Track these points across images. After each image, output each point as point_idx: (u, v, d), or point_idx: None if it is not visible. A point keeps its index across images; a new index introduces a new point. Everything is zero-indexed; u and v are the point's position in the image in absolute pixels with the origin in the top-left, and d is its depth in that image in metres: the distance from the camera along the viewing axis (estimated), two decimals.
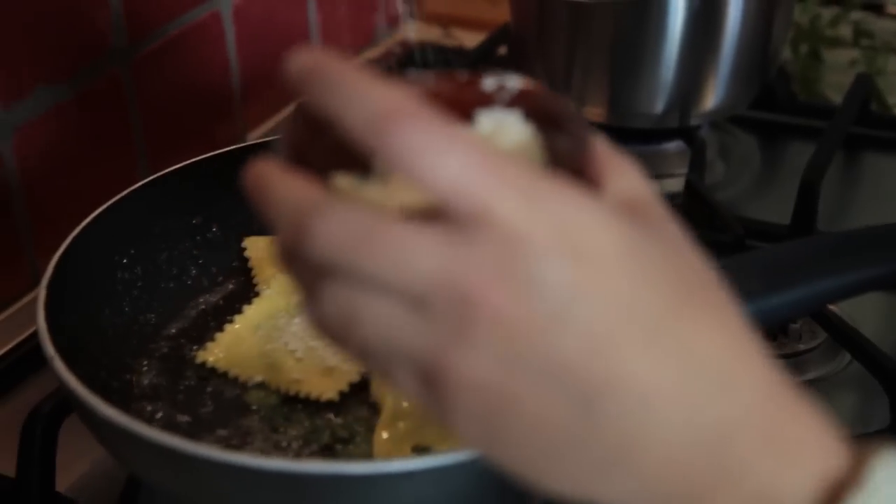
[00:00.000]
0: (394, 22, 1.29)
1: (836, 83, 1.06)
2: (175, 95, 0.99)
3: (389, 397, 0.62)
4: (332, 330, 0.39)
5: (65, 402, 0.66)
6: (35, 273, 0.89)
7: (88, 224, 0.68)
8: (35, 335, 0.80)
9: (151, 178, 0.73)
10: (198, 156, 0.74)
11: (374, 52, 1.24)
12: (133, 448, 0.54)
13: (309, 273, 0.39)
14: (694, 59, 0.91)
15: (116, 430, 0.53)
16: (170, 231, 0.73)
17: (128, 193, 0.71)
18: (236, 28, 1.04)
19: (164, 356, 0.69)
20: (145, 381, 0.66)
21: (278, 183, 0.39)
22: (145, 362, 0.68)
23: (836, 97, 1.04)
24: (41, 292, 0.62)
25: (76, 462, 0.69)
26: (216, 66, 1.04)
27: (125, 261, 0.70)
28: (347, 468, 0.50)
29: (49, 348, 0.58)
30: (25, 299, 0.88)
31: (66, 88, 0.88)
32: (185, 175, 0.74)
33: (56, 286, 0.63)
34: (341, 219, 0.37)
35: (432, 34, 1.27)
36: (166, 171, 0.74)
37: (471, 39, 1.24)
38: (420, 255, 0.37)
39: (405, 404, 0.62)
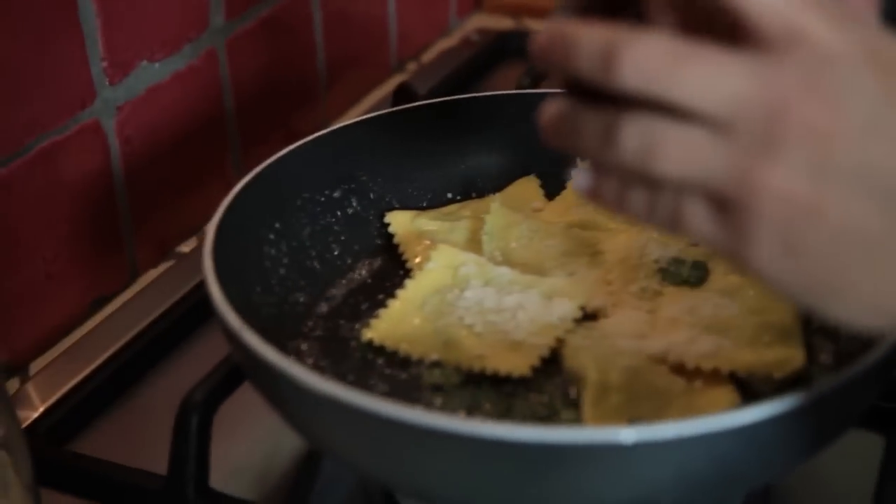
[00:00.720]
0: (465, 13, 1.24)
1: None
2: (265, 78, 0.93)
3: (593, 369, 0.56)
4: (627, 169, 0.40)
5: (219, 389, 0.60)
6: (134, 266, 0.83)
7: (237, 195, 0.62)
8: (142, 334, 0.75)
9: (287, 149, 0.67)
10: (284, 144, 0.67)
11: (449, 41, 1.18)
12: (343, 420, 0.47)
13: (607, 112, 0.39)
14: None
15: (325, 399, 0.46)
16: (310, 204, 0.67)
17: (268, 164, 0.65)
18: (323, 12, 0.98)
19: (322, 337, 0.62)
20: (308, 363, 0.60)
21: (581, 29, 0.39)
22: (303, 345, 0.61)
23: None
24: (206, 262, 0.56)
25: (224, 453, 0.62)
26: (304, 50, 0.98)
27: (272, 236, 0.64)
28: (611, 434, 0.43)
29: (234, 320, 0.51)
30: (125, 295, 0.82)
31: (166, 66, 0.81)
32: (321, 146, 0.68)
33: (219, 258, 0.56)
34: (651, 46, 0.38)
35: (503, 24, 1.22)
36: (302, 141, 0.67)
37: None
38: (731, 75, 0.38)
39: (613, 376, 0.55)
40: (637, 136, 0.39)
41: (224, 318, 0.52)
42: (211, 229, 0.58)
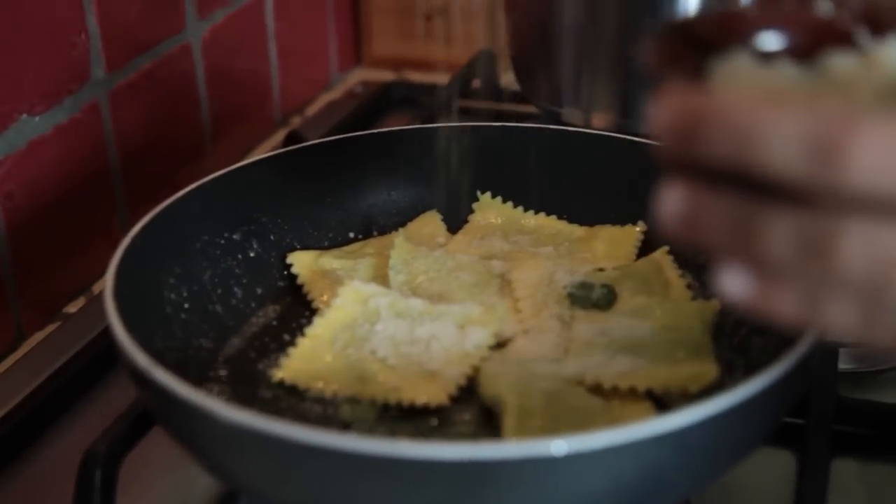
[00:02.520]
0: (346, 67, 1.24)
1: None
2: (150, 132, 0.91)
3: (512, 395, 0.55)
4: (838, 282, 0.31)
5: (124, 440, 0.58)
6: (20, 328, 0.80)
7: (136, 237, 0.60)
8: (31, 397, 0.72)
9: (185, 190, 0.65)
10: (170, 196, 0.66)
11: (332, 95, 1.18)
12: (264, 452, 0.45)
13: (807, 215, 0.31)
14: None
15: (243, 431, 0.45)
16: (210, 247, 0.66)
17: (166, 206, 0.64)
18: (205, 65, 0.97)
19: (229, 381, 0.60)
20: None
21: (762, 107, 0.30)
22: (212, 388, 0.59)
23: None
24: (109, 304, 0.54)
25: None
26: (188, 104, 0.96)
27: (172, 280, 0.62)
28: (542, 447, 0.43)
29: (142, 359, 0.49)
30: (11, 359, 0.78)
31: (47, 119, 0.79)
32: (219, 187, 0.67)
33: (120, 301, 0.54)
34: (888, 129, 0.29)
35: (384, 77, 1.23)
36: (200, 182, 0.66)
37: (424, 81, 1.20)
38: None
39: (533, 400, 0.55)
40: (865, 250, 0.30)
41: (132, 359, 0.50)
42: (110, 272, 0.56)
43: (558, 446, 0.43)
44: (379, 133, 0.72)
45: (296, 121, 1.13)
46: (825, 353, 0.65)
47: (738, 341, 0.61)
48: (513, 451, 0.43)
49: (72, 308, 0.84)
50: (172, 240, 0.63)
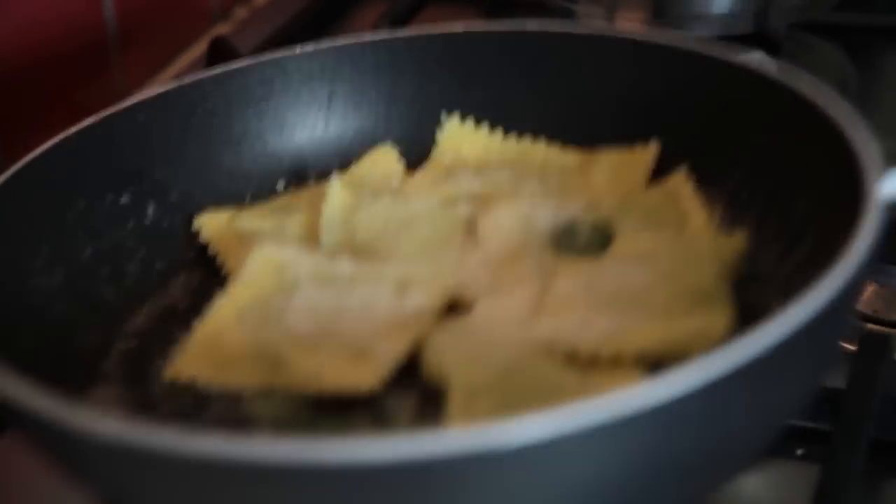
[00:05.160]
0: None
1: None
2: (22, 37, 1.00)
3: (458, 369, 0.65)
4: None
5: None
6: None
7: None
8: None
9: (49, 144, 0.76)
10: (61, 128, 0.76)
11: None
12: (152, 475, 0.55)
13: None
14: None
15: (119, 448, 0.53)
16: (89, 216, 0.77)
17: (21, 167, 0.75)
18: None
19: (121, 382, 0.72)
20: None
21: None
22: (97, 395, 0.71)
23: None
24: None
25: None
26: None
27: (39, 263, 0.74)
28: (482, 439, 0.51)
29: None
30: None
31: None
32: (97, 136, 0.78)
33: None
34: None
35: None
36: (69, 132, 0.77)
37: None
38: None
39: (483, 375, 0.65)
40: None
41: None
42: None
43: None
44: (309, 52, 0.83)
45: (240, 13, 1.23)
46: (872, 335, 0.73)
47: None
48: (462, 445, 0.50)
49: None
50: (34, 212, 0.74)
